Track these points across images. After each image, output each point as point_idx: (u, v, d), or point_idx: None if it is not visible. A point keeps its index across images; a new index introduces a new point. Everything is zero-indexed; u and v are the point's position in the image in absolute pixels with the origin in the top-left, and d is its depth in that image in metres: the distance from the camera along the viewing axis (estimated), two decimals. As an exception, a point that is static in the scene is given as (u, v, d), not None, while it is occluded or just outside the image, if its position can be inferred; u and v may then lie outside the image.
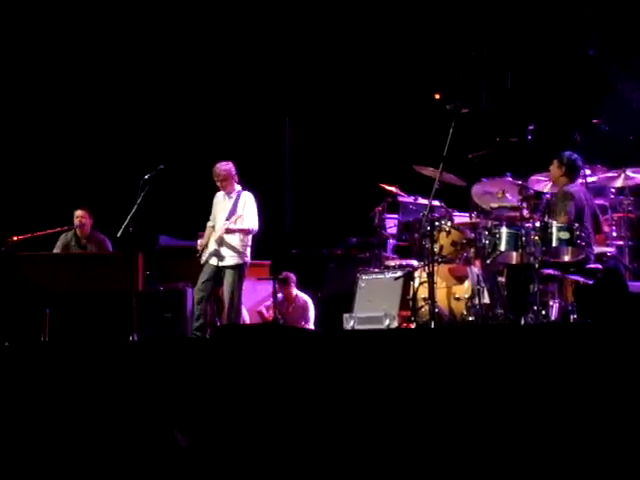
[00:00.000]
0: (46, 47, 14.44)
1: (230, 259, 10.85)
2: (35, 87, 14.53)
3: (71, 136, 14.56)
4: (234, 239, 10.85)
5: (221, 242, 10.83)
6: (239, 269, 10.87)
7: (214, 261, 10.84)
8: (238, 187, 11.07)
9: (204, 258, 10.91)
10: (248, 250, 10.96)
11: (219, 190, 11.08)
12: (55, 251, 11.96)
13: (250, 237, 10.97)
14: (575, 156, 10.00)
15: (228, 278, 10.83)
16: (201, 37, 14.60)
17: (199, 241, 11.09)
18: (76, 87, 14.62)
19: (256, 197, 11.09)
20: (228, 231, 10.78)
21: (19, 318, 11.02)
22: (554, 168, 10.03)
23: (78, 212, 11.99)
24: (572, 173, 9.99)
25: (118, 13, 14.43)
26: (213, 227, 11.05)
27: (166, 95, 14.68)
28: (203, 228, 11.16)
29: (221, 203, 11.07)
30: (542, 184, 10.60)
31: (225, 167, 10.98)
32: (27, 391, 7.69)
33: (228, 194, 11.03)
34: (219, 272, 10.86)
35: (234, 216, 10.83)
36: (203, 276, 10.89)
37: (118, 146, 14.49)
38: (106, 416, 7.47)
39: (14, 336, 10.58)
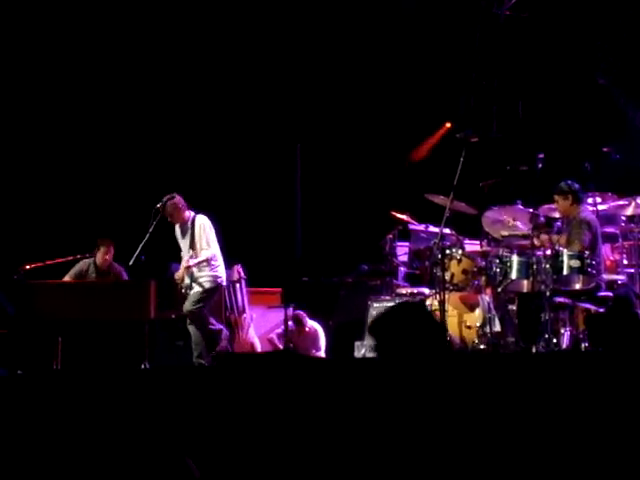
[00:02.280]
0: (69, 80, 14.53)
1: (204, 284, 10.94)
2: (47, 114, 14.61)
3: (83, 166, 14.62)
4: (201, 269, 10.94)
5: (191, 275, 10.91)
6: (212, 290, 11.03)
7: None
8: (189, 214, 11.14)
9: (184, 290, 10.99)
10: (219, 270, 11.08)
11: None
12: (67, 277, 11.99)
13: (216, 257, 11.04)
14: (570, 182, 10.09)
15: (192, 296, 10.99)
16: (213, 65, 14.67)
17: (176, 275, 11.15)
18: (88, 119, 14.70)
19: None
20: (190, 267, 10.86)
21: (31, 346, 11.06)
22: (560, 202, 10.07)
23: (104, 248, 12.04)
24: (579, 197, 10.06)
25: (139, 48, 14.54)
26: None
27: (177, 123, 14.74)
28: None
29: (180, 235, 11.19)
30: (554, 213, 10.60)
31: (170, 203, 11.03)
32: (39, 420, 7.71)
33: (182, 226, 11.10)
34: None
35: (187, 259, 10.95)
36: None
37: (130, 175, 14.54)
38: (118, 445, 7.48)
39: (26, 364, 10.61)
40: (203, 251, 10.93)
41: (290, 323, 12.32)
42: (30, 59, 14.36)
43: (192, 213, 11.12)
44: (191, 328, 10.89)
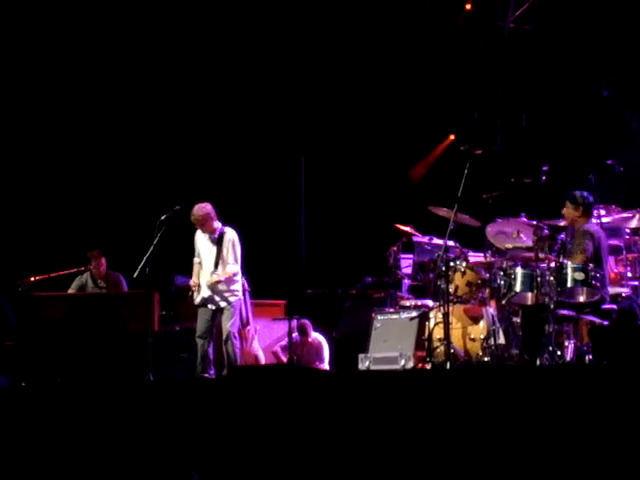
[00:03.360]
0: (70, 95, 14.58)
1: (222, 302, 10.90)
2: (51, 126, 14.64)
3: (88, 177, 14.65)
4: (224, 284, 10.90)
5: (213, 287, 10.86)
6: (234, 307, 10.95)
7: (211, 305, 10.89)
8: (218, 224, 11.03)
9: (197, 300, 10.93)
10: (239, 285, 11.03)
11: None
12: (70, 292, 12.02)
13: (239, 274, 11.03)
14: (586, 194, 10.00)
15: (225, 315, 10.88)
16: (218, 78, 14.70)
17: (191, 282, 11.07)
18: (93, 127, 14.73)
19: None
20: (221, 282, 10.83)
21: (35, 358, 11.05)
22: (570, 210, 9.99)
23: (95, 260, 12.07)
24: (589, 211, 10.01)
25: (142, 61, 14.58)
26: (200, 264, 11.08)
27: (181, 136, 14.76)
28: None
29: (204, 243, 11.02)
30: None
31: (202, 210, 10.88)
32: (43, 430, 7.71)
33: (210, 234, 11.02)
34: (215, 313, 10.90)
35: (220, 273, 10.86)
36: (202, 320, 10.90)
37: (135, 187, 14.56)
38: (121, 456, 7.48)
39: (31, 376, 10.61)
40: (230, 266, 10.87)
41: (295, 334, 12.30)
42: (28, 75, 14.43)
43: (220, 224, 11.05)
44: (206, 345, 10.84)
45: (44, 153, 14.64)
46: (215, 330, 10.96)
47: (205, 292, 10.88)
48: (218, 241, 10.94)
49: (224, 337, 10.81)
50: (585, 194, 10.01)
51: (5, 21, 14.17)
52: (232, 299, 10.91)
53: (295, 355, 12.08)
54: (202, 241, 11.04)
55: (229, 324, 10.81)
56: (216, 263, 10.90)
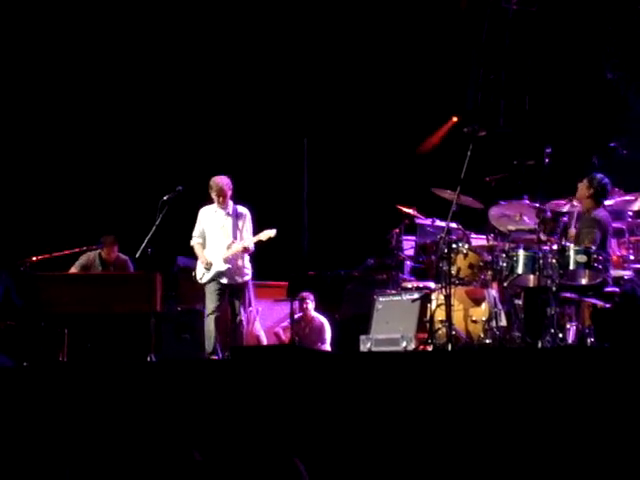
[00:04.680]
0: (75, 71, 14.58)
1: (239, 277, 10.91)
2: (54, 109, 14.63)
3: (91, 158, 14.64)
4: (240, 258, 10.90)
5: (229, 261, 10.83)
6: (246, 286, 11.01)
7: (225, 280, 10.85)
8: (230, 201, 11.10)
9: (210, 275, 10.88)
10: (248, 263, 11.05)
11: (207, 204, 11.06)
12: (73, 269, 12.01)
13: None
14: (606, 180, 9.86)
15: (238, 297, 10.89)
16: (220, 59, 14.68)
17: (200, 262, 10.98)
18: (95, 109, 14.72)
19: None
20: (245, 251, 10.82)
21: (37, 338, 11.08)
22: (583, 187, 9.90)
23: (108, 247, 12.06)
24: (599, 197, 9.88)
25: (144, 39, 14.57)
26: (201, 244, 11.04)
27: (185, 116, 14.75)
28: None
29: (215, 218, 11.00)
30: (561, 208, 10.54)
31: (225, 180, 10.94)
32: (45, 411, 7.72)
33: (224, 209, 11.01)
34: (225, 290, 10.89)
35: (248, 239, 10.88)
36: (213, 298, 10.85)
37: (137, 168, 14.55)
38: (124, 437, 7.49)
39: (33, 356, 10.64)
40: (249, 240, 10.90)
41: (297, 315, 12.31)
42: (31, 50, 14.40)
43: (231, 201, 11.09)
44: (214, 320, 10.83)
45: (47, 134, 14.64)
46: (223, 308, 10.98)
47: (221, 266, 10.80)
48: (234, 217, 10.95)
49: (237, 320, 10.82)
50: (605, 181, 9.83)
51: (5, 20, 14.17)
52: (246, 277, 10.95)
53: (297, 336, 12.09)
54: (211, 217, 11.01)
55: (242, 307, 10.84)
56: (234, 235, 10.89)
